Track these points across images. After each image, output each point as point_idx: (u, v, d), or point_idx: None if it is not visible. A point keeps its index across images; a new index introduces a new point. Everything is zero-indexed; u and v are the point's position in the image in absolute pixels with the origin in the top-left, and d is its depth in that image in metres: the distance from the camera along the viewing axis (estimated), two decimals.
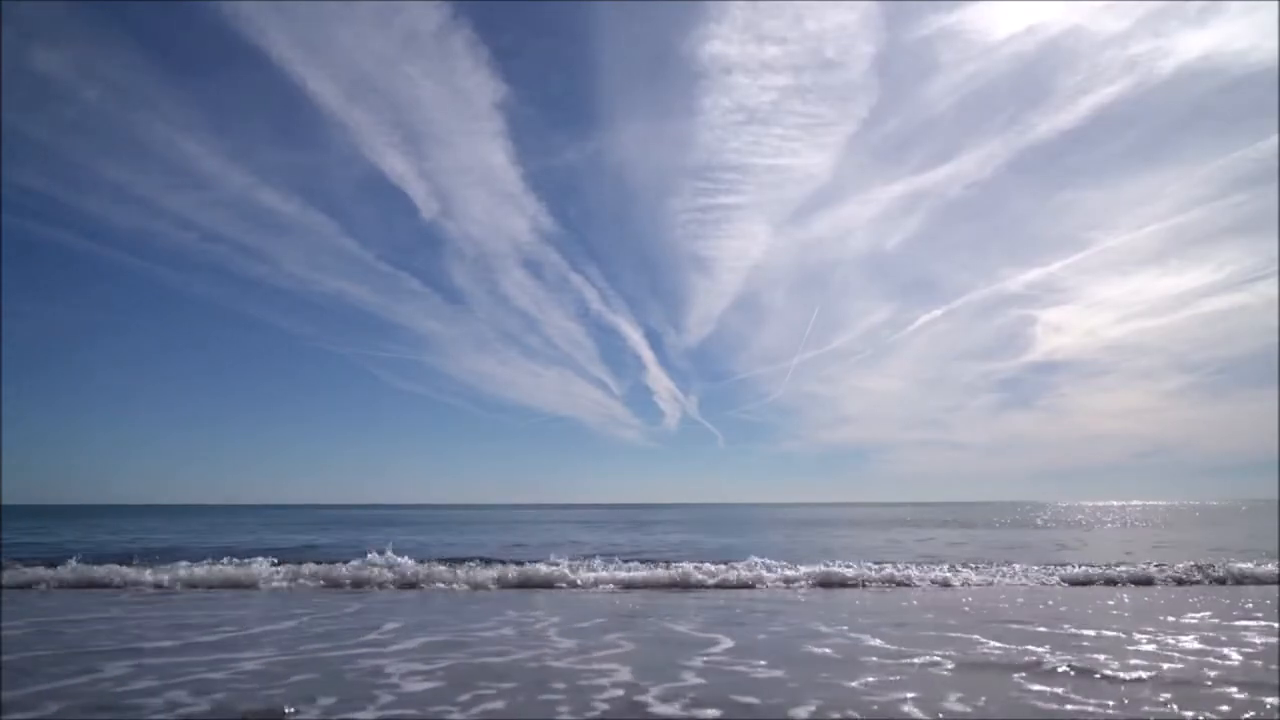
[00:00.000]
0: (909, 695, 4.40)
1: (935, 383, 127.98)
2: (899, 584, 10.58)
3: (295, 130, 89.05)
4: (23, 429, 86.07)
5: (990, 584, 10.68)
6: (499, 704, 4.20)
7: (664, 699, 4.31)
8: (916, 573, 11.13)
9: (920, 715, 4.01)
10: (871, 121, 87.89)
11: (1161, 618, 7.53)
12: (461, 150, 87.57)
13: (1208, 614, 7.81)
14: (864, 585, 10.45)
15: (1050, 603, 8.80)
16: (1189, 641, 6.16)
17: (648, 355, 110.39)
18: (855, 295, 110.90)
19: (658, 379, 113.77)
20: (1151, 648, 5.90)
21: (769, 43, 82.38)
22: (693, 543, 21.11)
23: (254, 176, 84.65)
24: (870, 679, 4.81)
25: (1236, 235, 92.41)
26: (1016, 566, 12.11)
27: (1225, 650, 5.77)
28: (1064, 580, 10.86)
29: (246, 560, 11.45)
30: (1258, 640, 6.23)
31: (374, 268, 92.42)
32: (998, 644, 6.05)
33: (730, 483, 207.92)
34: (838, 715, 4.00)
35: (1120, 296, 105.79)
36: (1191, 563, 12.01)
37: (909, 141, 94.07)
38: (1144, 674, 4.94)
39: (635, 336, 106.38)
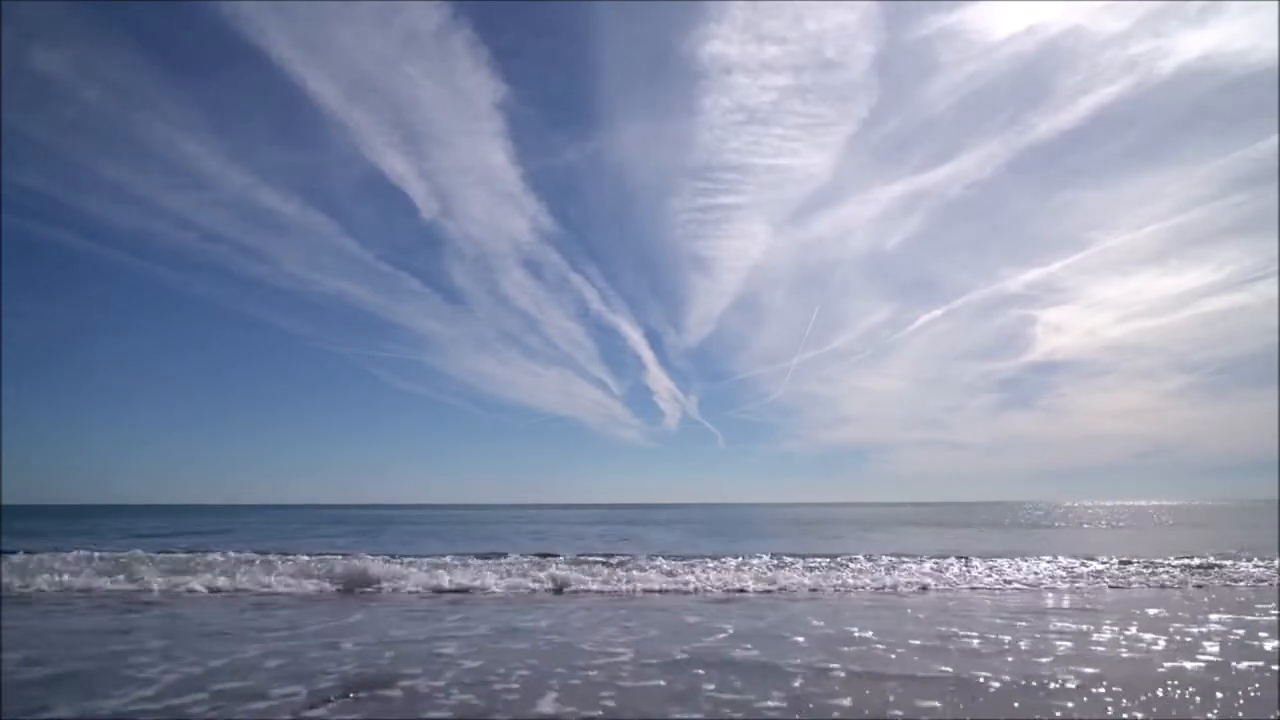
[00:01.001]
0: (833, 666, 5.87)
1: (935, 383, 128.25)
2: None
3: (295, 130, 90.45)
4: (23, 429, 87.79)
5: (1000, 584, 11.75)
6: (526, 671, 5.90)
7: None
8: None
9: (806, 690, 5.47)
10: (871, 121, 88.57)
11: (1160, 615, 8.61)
12: (461, 150, 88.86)
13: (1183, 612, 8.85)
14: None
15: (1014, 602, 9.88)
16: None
17: (648, 355, 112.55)
18: (855, 295, 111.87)
19: (658, 379, 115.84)
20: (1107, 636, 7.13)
21: (769, 43, 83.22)
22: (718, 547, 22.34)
23: (254, 176, 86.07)
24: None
25: (1236, 235, 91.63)
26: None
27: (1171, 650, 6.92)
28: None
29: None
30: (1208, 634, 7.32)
31: (374, 268, 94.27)
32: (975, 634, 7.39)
33: (730, 483, 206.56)
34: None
35: (1120, 296, 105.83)
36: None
37: (909, 141, 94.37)
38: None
39: (635, 336, 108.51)
